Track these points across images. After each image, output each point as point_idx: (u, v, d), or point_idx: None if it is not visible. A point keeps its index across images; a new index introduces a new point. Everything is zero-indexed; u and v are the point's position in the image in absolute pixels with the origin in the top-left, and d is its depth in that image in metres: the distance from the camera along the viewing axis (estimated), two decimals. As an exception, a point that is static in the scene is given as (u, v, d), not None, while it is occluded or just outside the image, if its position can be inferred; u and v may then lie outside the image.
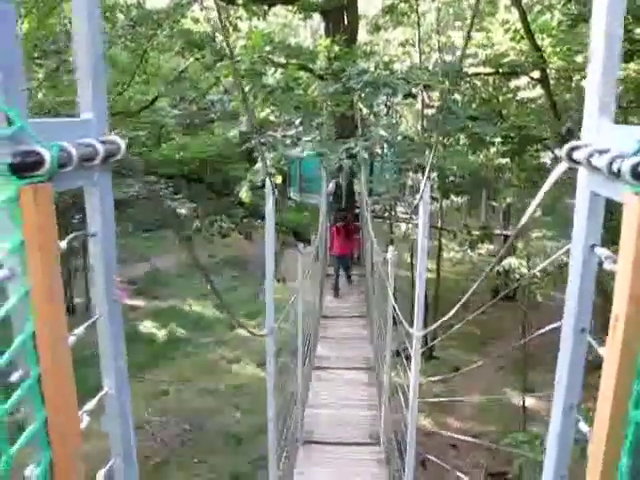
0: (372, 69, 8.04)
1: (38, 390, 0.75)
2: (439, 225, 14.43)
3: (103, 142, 0.87)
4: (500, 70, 10.73)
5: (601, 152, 0.91)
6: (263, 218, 15.31)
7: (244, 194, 8.02)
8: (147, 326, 16.80)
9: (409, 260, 14.58)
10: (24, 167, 0.70)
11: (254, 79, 8.03)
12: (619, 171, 0.83)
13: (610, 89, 1.01)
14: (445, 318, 2.73)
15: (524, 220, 1.53)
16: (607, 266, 0.95)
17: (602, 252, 1.02)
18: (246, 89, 7.92)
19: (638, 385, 0.80)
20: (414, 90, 7.85)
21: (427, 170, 3.02)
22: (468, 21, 12.66)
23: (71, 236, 0.87)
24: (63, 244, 0.84)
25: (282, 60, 9.24)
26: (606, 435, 0.85)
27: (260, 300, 13.22)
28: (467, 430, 11.21)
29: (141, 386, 13.08)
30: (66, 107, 11.75)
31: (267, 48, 8.95)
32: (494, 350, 13.95)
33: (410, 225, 14.39)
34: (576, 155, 1.01)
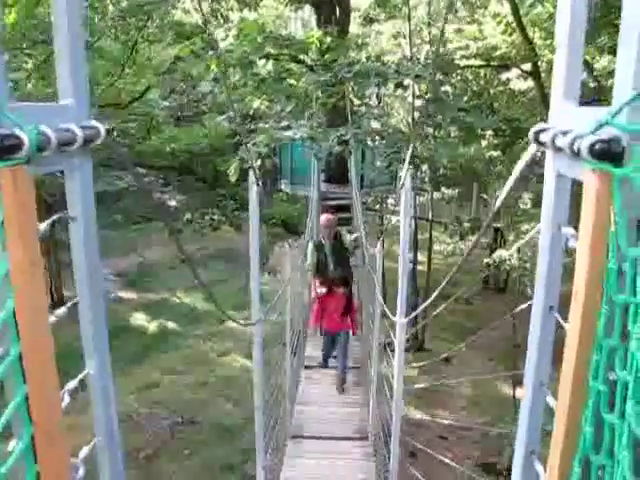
0: (363, 60, 8.04)
1: (19, 367, 0.77)
2: (429, 217, 14.46)
3: (83, 127, 0.88)
4: (491, 63, 10.75)
5: (564, 133, 0.95)
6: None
7: (233, 172, 7.98)
8: (138, 318, 16.77)
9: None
10: (3, 150, 0.71)
11: (245, 68, 8.02)
12: (579, 150, 0.87)
13: (575, 73, 1.05)
14: (426, 303, 2.74)
15: (497, 204, 1.56)
16: (571, 244, 0.99)
17: (568, 231, 1.06)
18: (236, 78, 7.92)
19: (597, 356, 0.84)
20: (405, 81, 7.86)
21: (407, 158, 3.05)
22: (459, 13, 12.66)
23: (51, 219, 0.89)
24: (43, 226, 0.86)
25: (273, 51, 9.21)
26: (569, 405, 0.89)
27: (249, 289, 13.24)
28: (457, 421, 11.30)
29: (131, 378, 13.08)
30: (56, 98, 11.68)
31: (259, 39, 8.92)
32: (485, 341, 14.04)
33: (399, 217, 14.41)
34: (542, 137, 1.04)
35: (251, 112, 12.56)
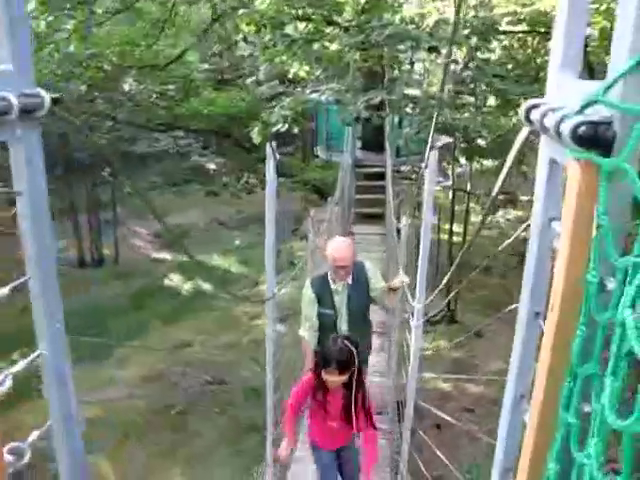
0: (397, 22, 7.74)
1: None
2: (467, 189, 14.14)
3: (23, 95, 0.82)
4: (538, 29, 10.26)
5: (554, 110, 0.79)
6: (287, 175, 15.28)
7: (256, 135, 7.84)
8: (173, 279, 17.07)
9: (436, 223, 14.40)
10: None
11: (276, 29, 7.81)
12: (561, 133, 0.72)
13: (576, 41, 0.89)
14: (447, 277, 2.65)
15: (499, 182, 1.44)
16: (556, 244, 0.85)
17: (559, 228, 0.87)
18: (266, 38, 7.74)
19: (570, 385, 0.71)
20: (440, 46, 7.53)
21: (433, 125, 2.90)
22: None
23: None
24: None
25: (305, 11, 8.92)
26: (534, 436, 0.79)
27: (281, 256, 13.28)
28: (485, 395, 11.22)
29: (166, 337, 13.40)
30: (94, 59, 11.73)
31: None
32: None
33: (438, 187, 14.13)
34: (532, 115, 0.87)
35: (290, 76, 12.41)
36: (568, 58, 0.89)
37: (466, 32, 7.55)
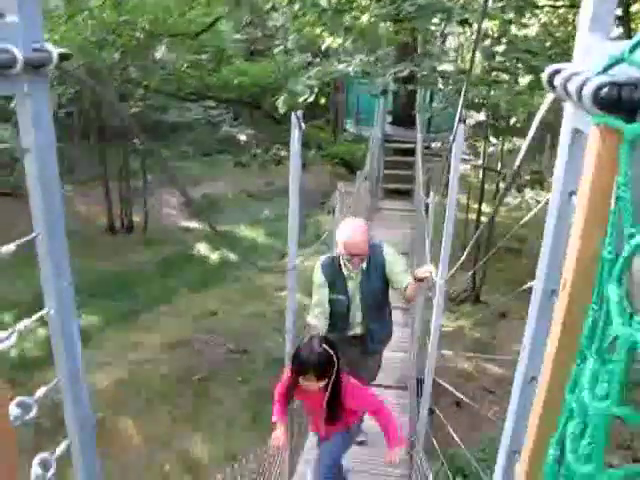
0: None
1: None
2: (498, 168, 13.89)
3: (30, 49, 0.81)
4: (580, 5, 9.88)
5: (578, 74, 0.72)
6: (317, 148, 15.18)
7: (281, 105, 7.73)
8: (201, 248, 17.22)
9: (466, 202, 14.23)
10: None
11: (305, -2, 7.68)
12: (581, 97, 0.66)
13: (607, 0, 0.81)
14: (463, 258, 2.61)
15: (520, 157, 1.39)
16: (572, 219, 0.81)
17: None
18: (296, 7, 7.62)
19: (578, 366, 0.67)
20: (472, 20, 7.29)
21: (461, 100, 2.83)
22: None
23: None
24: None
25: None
26: (539, 417, 0.76)
27: (308, 229, 13.30)
28: (507, 377, 11.17)
29: (192, 305, 13.59)
30: (127, 27, 11.76)
31: None
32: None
33: (468, 166, 13.93)
34: (555, 80, 0.80)
35: (322, 47, 12.27)
36: (598, 18, 0.82)
37: (501, 4, 7.29)
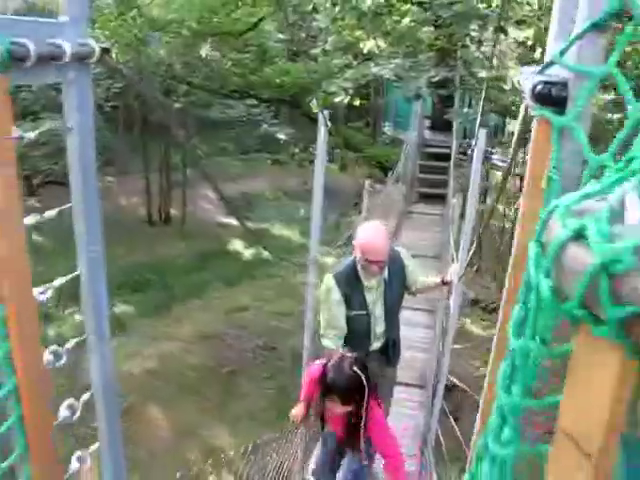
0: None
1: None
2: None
3: (77, 44, 0.96)
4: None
5: (527, 74, 0.83)
6: (356, 150, 15.22)
7: (315, 105, 7.82)
8: (236, 244, 17.45)
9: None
10: None
11: (344, 1, 7.80)
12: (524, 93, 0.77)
13: (569, 12, 0.87)
14: (469, 254, 2.66)
15: (509, 163, 1.47)
16: None
17: None
18: (336, 10, 7.74)
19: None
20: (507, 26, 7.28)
21: (481, 104, 2.90)
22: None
23: (43, 128, 0.97)
24: (30, 134, 0.95)
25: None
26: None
27: (340, 229, 13.37)
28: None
29: (224, 300, 13.78)
30: (174, 25, 12.04)
31: None
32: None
33: (498, 173, 13.81)
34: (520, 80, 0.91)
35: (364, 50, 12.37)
36: (561, 29, 0.89)
37: (539, 13, 7.27)
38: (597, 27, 0.68)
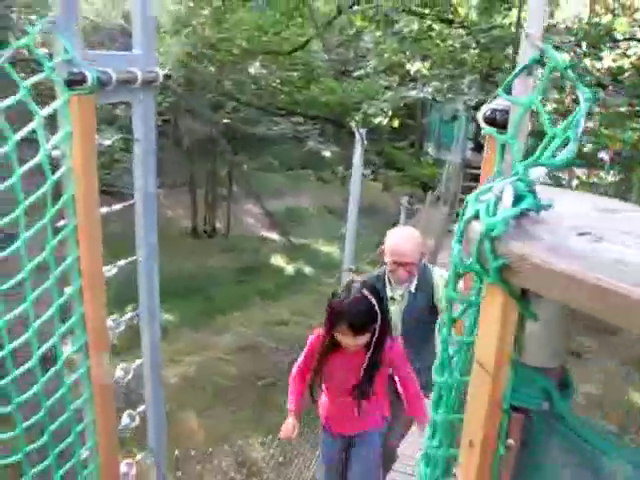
0: (505, 25, 7.67)
1: (75, 237, 1.12)
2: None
3: (146, 71, 1.21)
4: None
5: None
6: (399, 169, 15.32)
7: (354, 125, 8.03)
8: (277, 259, 17.69)
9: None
10: (73, 82, 1.05)
11: (386, 25, 8.06)
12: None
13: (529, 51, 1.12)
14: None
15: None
16: None
17: None
18: (378, 34, 7.97)
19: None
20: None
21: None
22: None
23: (117, 136, 1.22)
24: (108, 142, 1.20)
25: (418, 9, 9.05)
26: None
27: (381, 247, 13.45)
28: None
29: (264, 313, 13.98)
30: (225, 43, 12.52)
31: None
32: (620, 341, 13.10)
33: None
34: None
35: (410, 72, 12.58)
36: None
37: (574, 38, 7.34)
38: (526, 70, 0.95)
